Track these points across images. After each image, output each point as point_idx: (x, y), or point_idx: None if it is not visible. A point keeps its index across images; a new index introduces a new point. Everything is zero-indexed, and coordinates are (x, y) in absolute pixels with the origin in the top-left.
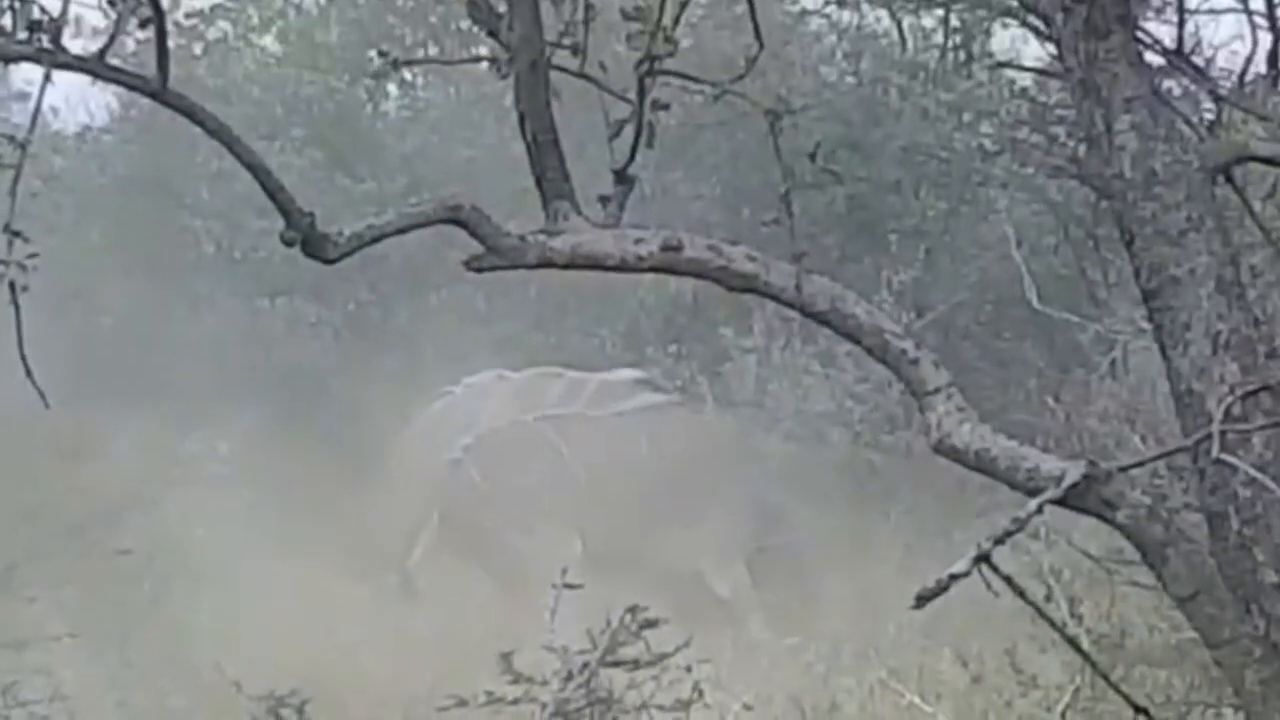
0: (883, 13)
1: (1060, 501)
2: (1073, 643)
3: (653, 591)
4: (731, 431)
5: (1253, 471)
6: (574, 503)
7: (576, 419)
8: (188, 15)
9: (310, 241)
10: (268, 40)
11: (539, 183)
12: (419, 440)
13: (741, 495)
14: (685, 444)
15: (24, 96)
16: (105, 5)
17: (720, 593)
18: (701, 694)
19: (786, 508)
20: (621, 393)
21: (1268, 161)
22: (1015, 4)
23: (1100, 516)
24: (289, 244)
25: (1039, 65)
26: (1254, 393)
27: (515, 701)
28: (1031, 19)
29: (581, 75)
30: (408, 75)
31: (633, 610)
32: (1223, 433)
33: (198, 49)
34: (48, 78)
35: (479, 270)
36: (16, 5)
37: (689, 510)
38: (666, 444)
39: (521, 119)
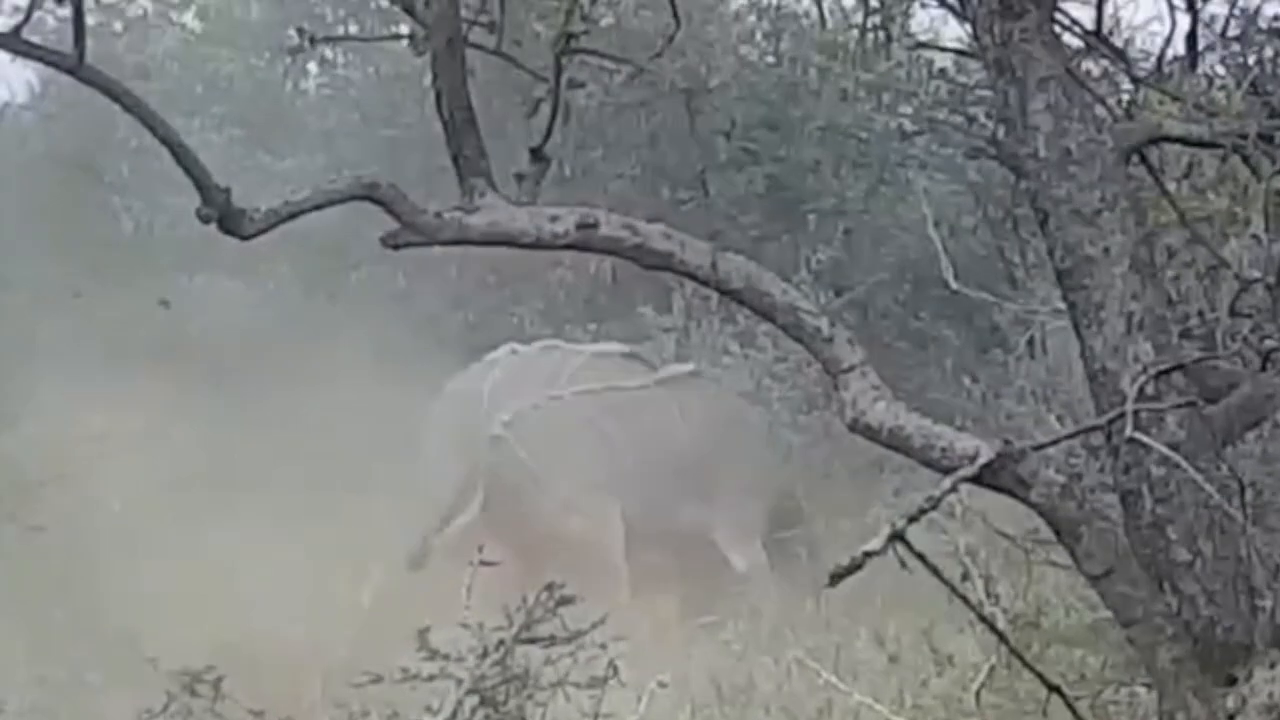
0: None
1: (975, 479)
2: (987, 621)
3: (683, 564)
4: (745, 402)
5: (1166, 450)
6: (618, 480)
7: (611, 392)
8: None
9: (226, 217)
10: (188, 17)
11: (455, 160)
12: (442, 419)
13: (769, 475)
14: (713, 414)
15: None
16: None
17: (738, 567)
18: (617, 671)
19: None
20: (623, 364)
21: (1181, 141)
22: None
23: (1014, 495)
24: (205, 220)
25: (958, 46)
26: (1167, 372)
27: (431, 678)
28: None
29: (498, 53)
30: (328, 53)
31: (549, 587)
32: (1136, 412)
33: (118, 25)
34: None
35: (395, 247)
36: None
37: (719, 483)
38: (696, 415)
39: (438, 97)
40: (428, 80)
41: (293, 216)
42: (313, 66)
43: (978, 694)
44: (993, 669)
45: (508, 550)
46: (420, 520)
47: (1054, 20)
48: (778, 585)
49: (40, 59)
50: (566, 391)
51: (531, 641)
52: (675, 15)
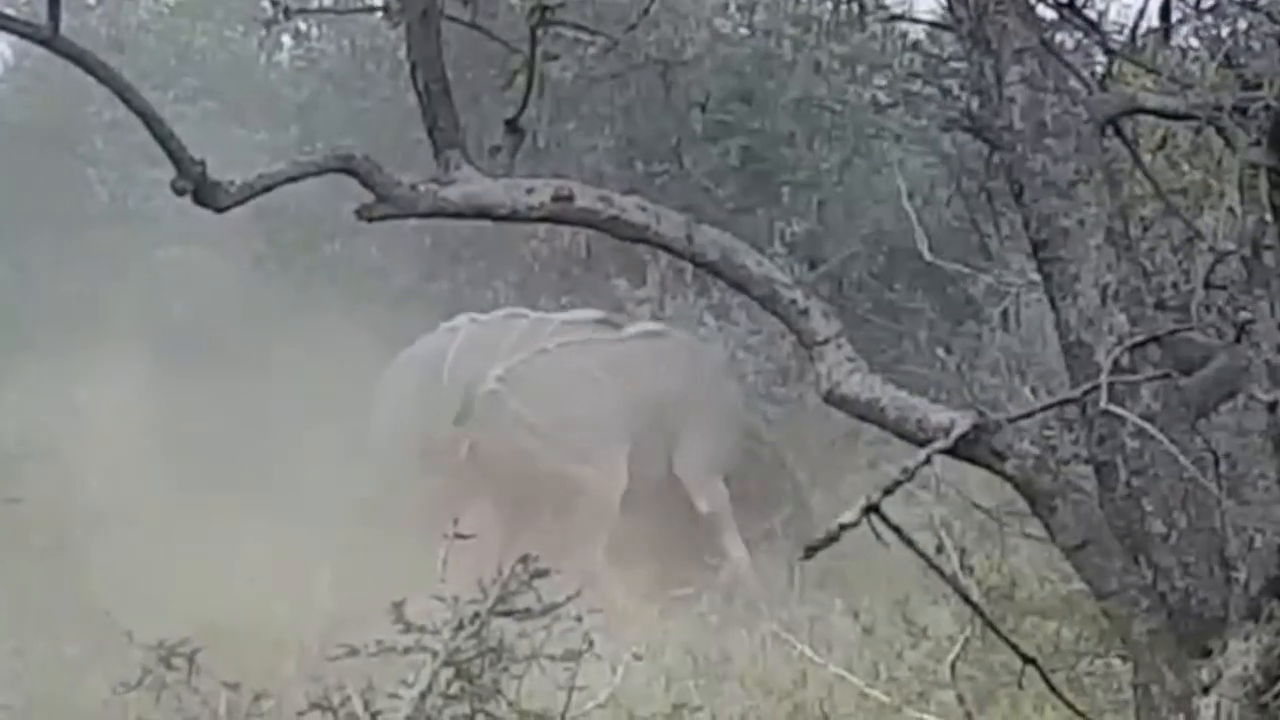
0: None
1: (950, 451)
2: (962, 593)
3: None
4: (721, 353)
5: (1140, 422)
6: (619, 427)
7: (597, 343)
8: None
9: (201, 190)
10: None
11: (431, 132)
12: (400, 384)
13: (735, 415)
14: (691, 365)
15: None
16: None
17: (701, 508)
18: (592, 644)
19: None
20: (595, 327)
21: (1156, 114)
22: None
23: (989, 467)
24: (180, 192)
25: (932, 18)
26: (1142, 344)
27: (407, 651)
28: None
29: (473, 25)
30: (301, 25)
31: (524, 559)
32: (1111, 384)
33: None
34: None
35: (370, 219)
36: None
37: (686, 423)
38: (677, 366)
39: (413, 69)
40: (402, 53)
41: (268, 189)
42: (286, 39)
43: (953, 666)
44: (967, 641)
45: (504, 503)
46: (375, 484)
47: None
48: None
49: (14, 30)
50: (551, 344)
51: (507, 614)
52: None
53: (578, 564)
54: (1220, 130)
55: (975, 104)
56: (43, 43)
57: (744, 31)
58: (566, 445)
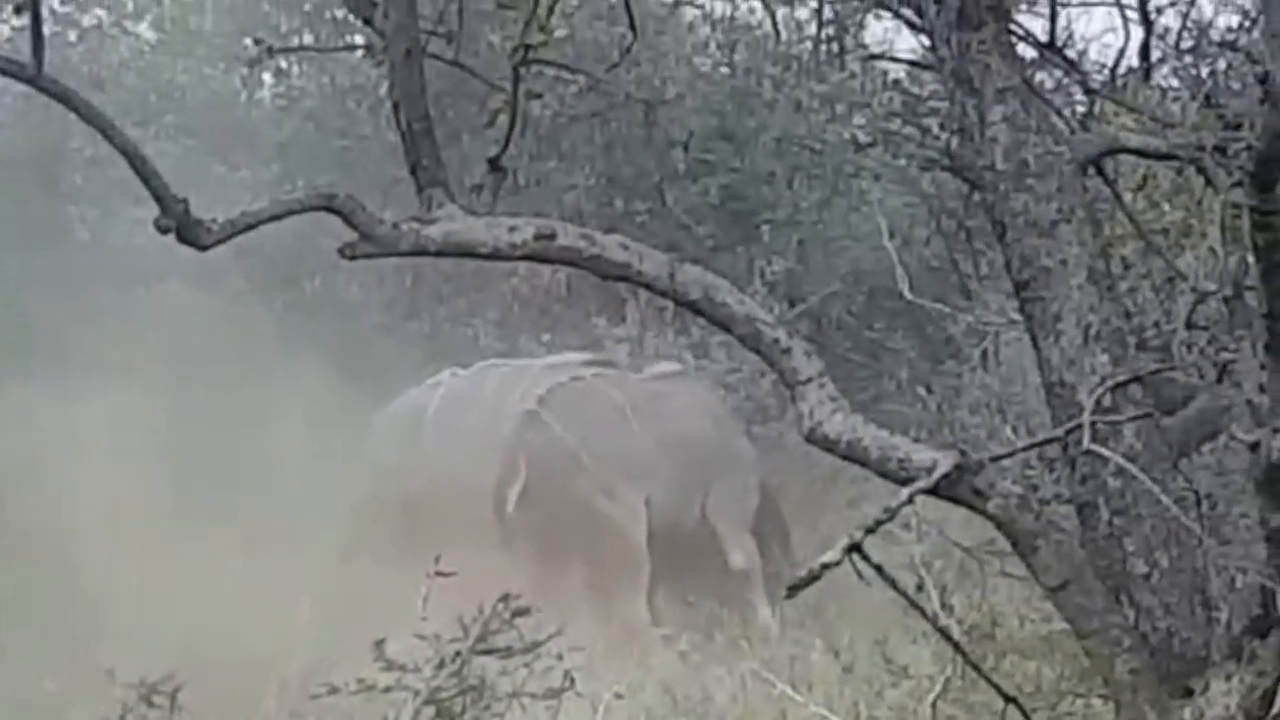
0: (756, 4)
1: (932, 491)
2: (944, 632)
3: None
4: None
5: (1123, 462)
6: (642, 465)
7: (624, 378)
8: (63, 1)
9: (184, 228)
10: (143, 27)
11: (413, 170)
12: (383, 440)
13: (750, 461)
14: (710, 409)
15: None
16: None
17: (735, 563)
18: (573, 682)
19: None
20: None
21: (1138, 153)
22: None
23: (971, 506)
24: (163, 230)
25: (912, 57)
26: (1124, 384)
27: (388, 689)
28: (905, 11)
29: (456, 64)
30: (282, 64)
31: (505, 598)
32: (1093, 423)
33: (72, 35)
34: None
35: (353, 257)
36: None
37: (717, 476)
38: (706, 410)
39: (396, 107)
40: (383, 91)
41: (251, 227)
42: (267, 77)
43: (934, 705)
44: (948, 680)
45: (542, 528)
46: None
47: (1009, 31)
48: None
49: None
50: (587, 373)
51: (488, 653)
52: (632, 26)
53: (621, 616)
54: (1202, 170)
55: (956, 143)
56: (28, 81)
57: (724, 70)
58: (597, 476)
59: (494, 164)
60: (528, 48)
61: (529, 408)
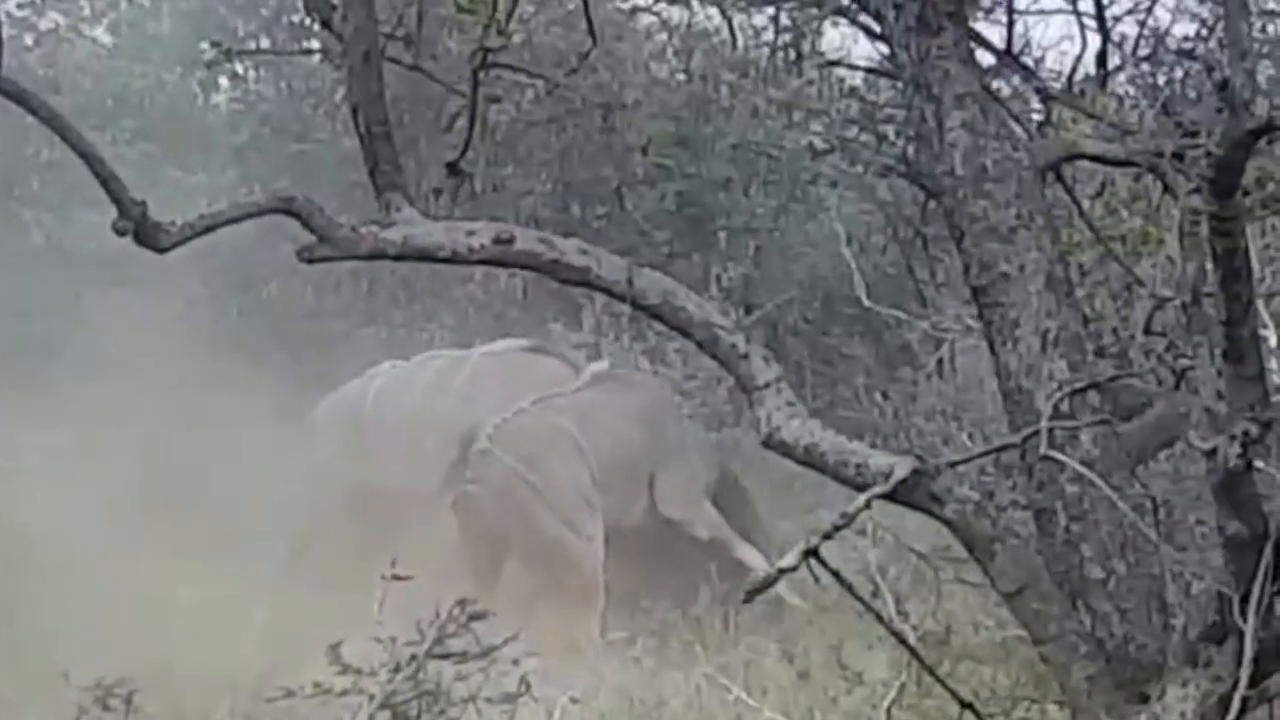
0: (713, 10)
1: (889, 496)
2: (900, 637)
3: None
4: (666, 384)
5: (1080, 468)
6: (596, 491)
7: (564, 398)
8: (19, 5)
9: (142, 230)
10: (99, 31)
11: (372, 174)
12: (323, 430)
13: (703, 440)
14: (650, 402)
15: None
16: None
17: (701, 536)
18: (529, 687)
19: None
20: (525, 361)
21: (1097, 160)
22: (846, 2)
23: (928, 512)
24: (121, 233)
25: (869, 64)
26: (1082, 390)
27: (344, 693)
28: (863, 18)
29: (415, 68)
30: (239, 68)
31: (461, 602)
32: (1051, 429)
33: (28, 39)
34: None
35: (310, 261)
36: None
37: (664, 464)
38: (639, 409)
39: (355, 111)
40: (339, 96)
41: (209, 230)
42: (224, 81)
43: (888, 711)
44: (903, 686)
45: (479, 556)
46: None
47: (968, 37)
48: (683, 601)
49: None
50: (527, 403)
51: (444, 657)
52: (591, 33)
53: (572, 639)
54: (1161, 177)
55: (914, 149)
56: None
57: (681, 77)
58: (556, 508)
59: (453, 168)
60: (486, 51)
61: (481, 447)
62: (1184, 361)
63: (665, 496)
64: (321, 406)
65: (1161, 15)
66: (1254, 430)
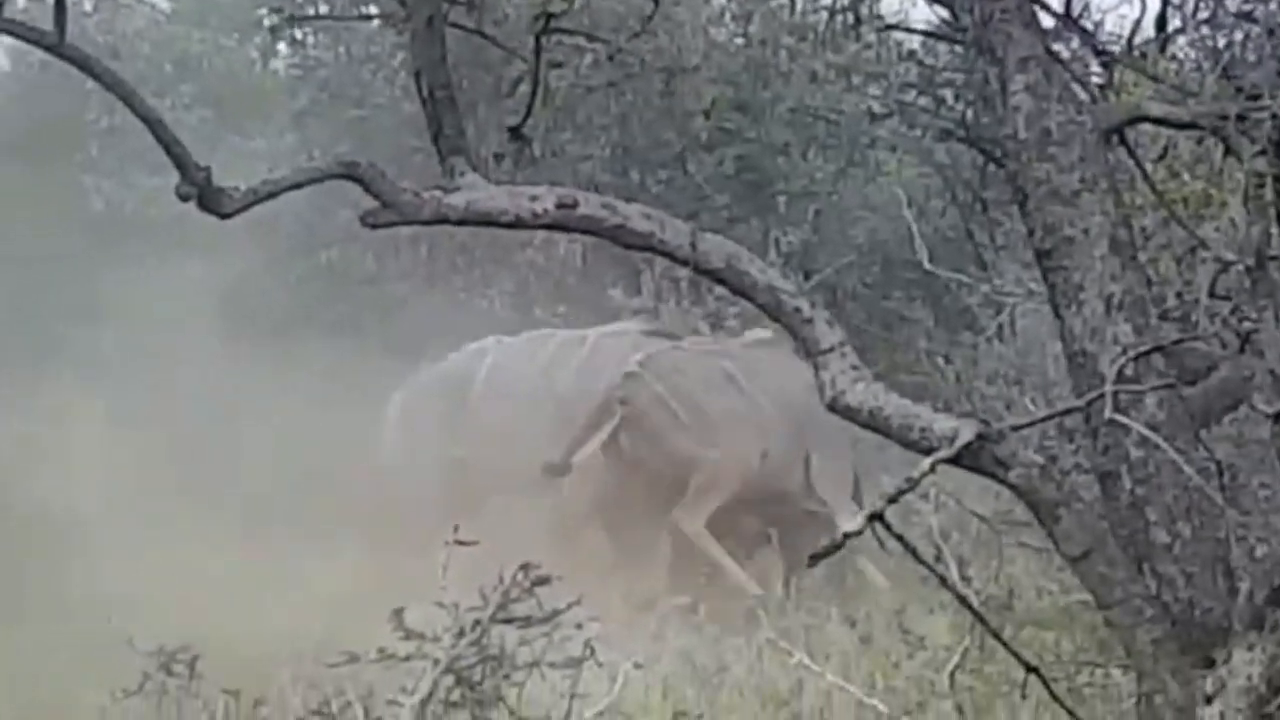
0: None
1: (954, 460)
2: (965, 602)
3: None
4: None
5: (1145, 431)
6: (756, 422)
7: (723, 345)
8: None
9: (206, 195)
10: None
11: (435, 139)
12: (424, 404)
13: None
14: (804, 375)
15: None
16: None
17: (844, 525)
18: (593, 652)
19: None
20: (644, 342)
21: (1161, 123)
22: None
23: (993, 476)
24: (184, 198)
25: (927, 28)
26: (1146, 353)
27: (408, 658)
28: None
29: (478, 32)
30: (298, 33)
31: (525, 567)
32: (1116, 393)
33: (88, 5)
34: None
35: (374, 226)
36: None
37: (819, 442)
38: (801, 379)
39: (418, 76)
40: (398, 61)
41: (272, 195)
42: (283, 47)
43: (952, 675)
44: (966, 651)
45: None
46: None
47: (1030, 1)
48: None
49: (21, 36)
50: (685, 341)
51: (508, 621)
52: None
53: (678, 524)
54: (1225, 140)
55: (973, 113)
56: (49, 49)
57: (740, 41)
58: (700, 433)
59: (516, 133)
60: (549, 16)
61: (629, 369)
62: (1248, 325)
63: (820, 472)
64: (417, 380)
65: None
66: None
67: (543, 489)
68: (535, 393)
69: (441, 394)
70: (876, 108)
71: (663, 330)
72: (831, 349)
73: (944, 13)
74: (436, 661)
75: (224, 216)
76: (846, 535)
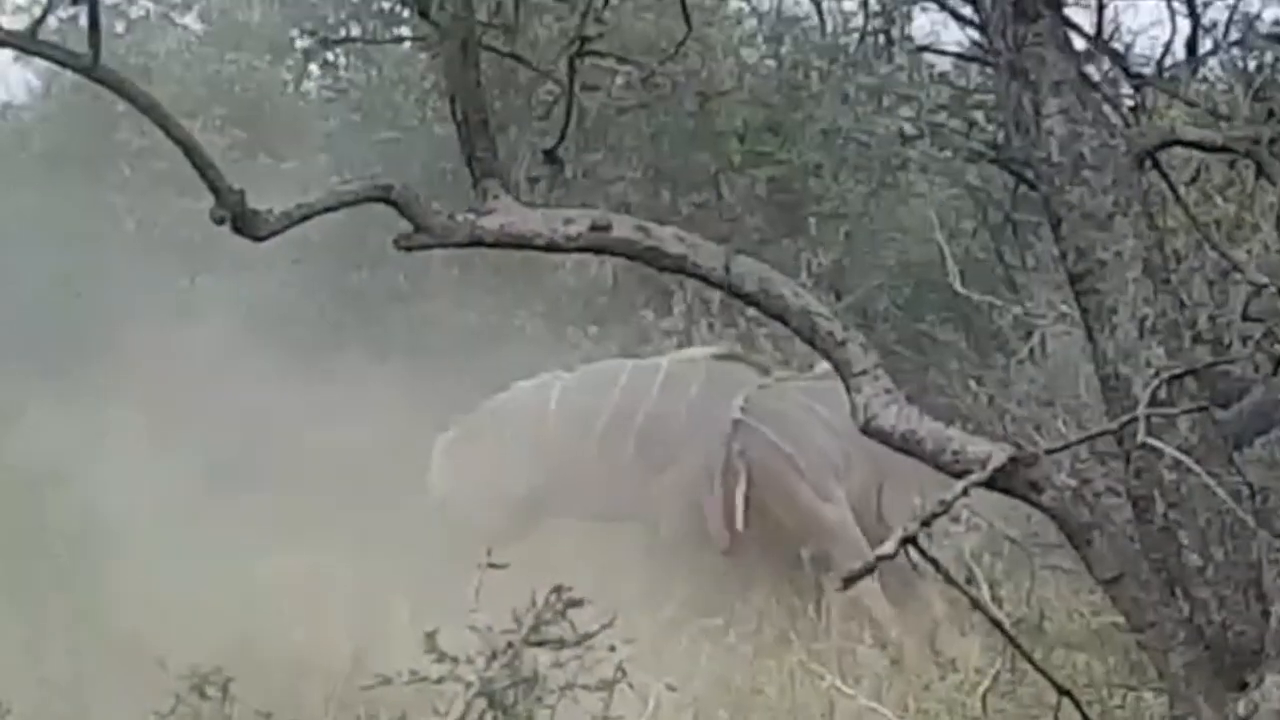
0: None
1: (987, 484)
2: (998, 624)
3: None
4: None
5: (1178, 455)
6: (844, 467)
7: (801, 382)
8: None
9: (240, 218)
10: (189, 19)
11: (469, 162)
12: (493, 431)
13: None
14: None
15: None
16: None
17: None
18: (625, 674)
19: None
20: (719, 368)
21: (1195, 146)
22: None
23: (1026, 499)
24: (219, 221)
25: (959, 50)
26: (1179, 376)
27: (440, 680)
28: (954, 3)
29: (512, 55)
30: (329, 55)
31: (557, 590)
32: (1149, 416)
33: (119, 27)
34: None
35: (409, 249)
36: None
37: (896, 475)
38: None
39: (452, 99)
40: (429, 83)
41: (307, 218)
42: (314, 68)
43: (984, 698)
44: (998, 673)
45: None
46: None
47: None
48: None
49: (55, 59)
50: (770, 380)
51: (540, 644)
52: (686, 19)
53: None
54: (1258, 163)
55: (1011, 136)
56: (83, 71)
57: (771, 63)
58: (813, 480)
59: (551, 156)
60: (584, 39)
61: (735, 416)
62: None
63: (890, 503)
64: (473, 416)
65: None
66: None
67: (621, 522)
68: (612, 425)
69: (507, 420)
70: (908, 129)
71: (733, 354)
72: (865, 372)
73: (976, 35)
74: (469, 684)
75: (259, 239)
76: (879, 558)
